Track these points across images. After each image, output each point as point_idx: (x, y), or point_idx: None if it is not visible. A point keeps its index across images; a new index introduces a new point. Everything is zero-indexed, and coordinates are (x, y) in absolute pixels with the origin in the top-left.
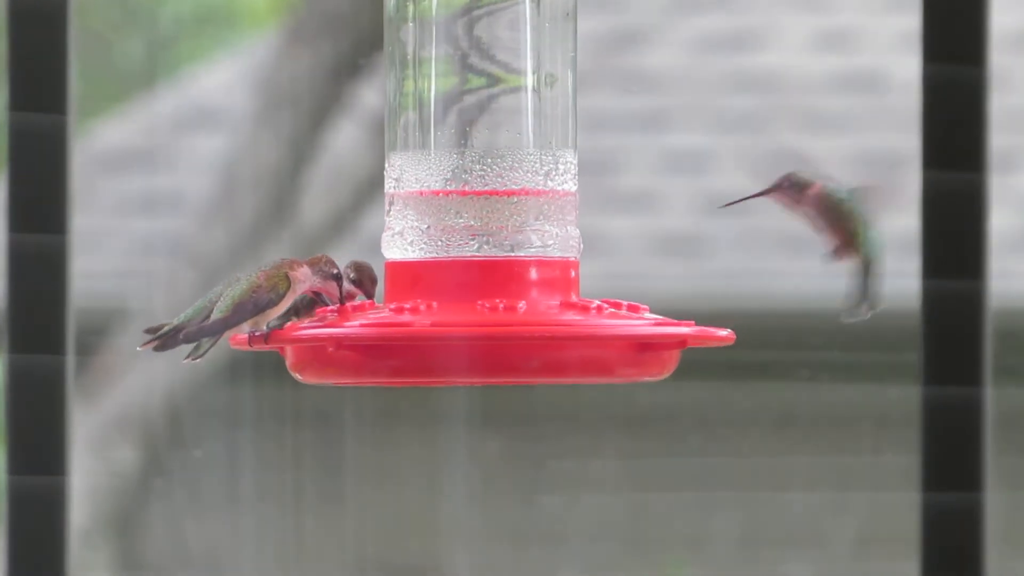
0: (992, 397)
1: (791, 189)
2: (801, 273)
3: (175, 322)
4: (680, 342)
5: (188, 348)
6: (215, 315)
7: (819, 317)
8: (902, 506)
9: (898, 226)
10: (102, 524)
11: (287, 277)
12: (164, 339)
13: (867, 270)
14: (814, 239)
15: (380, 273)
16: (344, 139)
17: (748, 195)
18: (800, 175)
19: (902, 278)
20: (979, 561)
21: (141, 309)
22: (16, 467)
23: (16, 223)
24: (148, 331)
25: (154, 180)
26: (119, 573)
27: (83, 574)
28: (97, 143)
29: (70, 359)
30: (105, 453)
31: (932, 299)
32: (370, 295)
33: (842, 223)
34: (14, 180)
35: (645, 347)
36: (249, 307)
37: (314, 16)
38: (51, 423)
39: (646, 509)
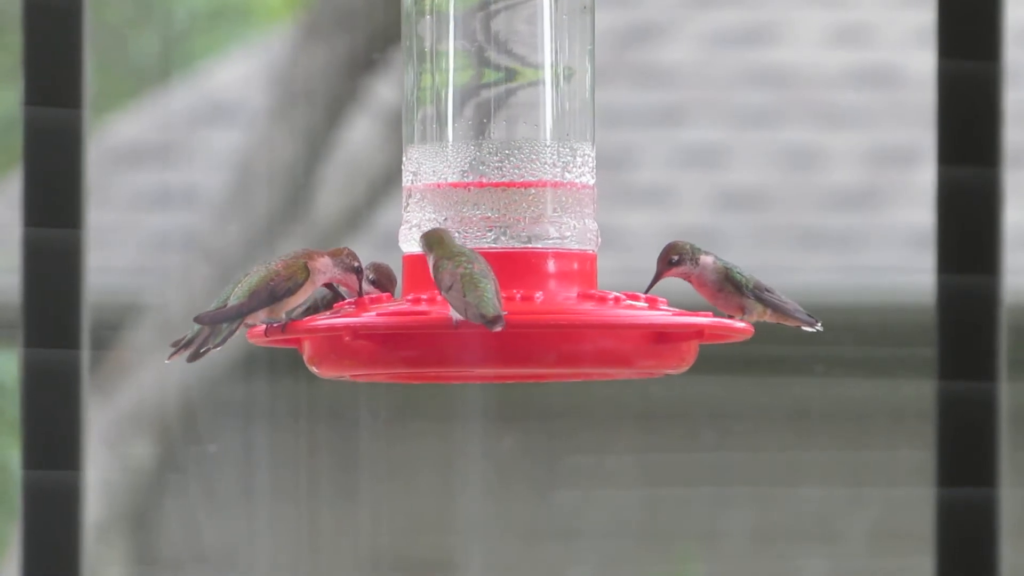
0: (1007, 392)
1: (681, 262)
2: (816, 268)
3: (194, 327)
4: (697, 332)
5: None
6: (232, 301)
7: (834, 312)
8: (917, 501)
9: (913, 221)
10: (117, 519)
11: (306, 267)
12: (190, 345)
13: (773, 306)
14: (828, 234)
15: (397, 269)
16: (359, 134)
17: (651, 282)
18: (681, 245)
19: (917, 273)
20: (993, 556)
21: (156, 304)
22: (31, 462)
23: (31, 218)
24: (174, 344)
25: (169, 175)
26: (134, 568)
27: (98, 569)
28: (112, 138)
29: (85, 354)
30: (120, 448)
31: (947, 294)
32: (389, 293)
33: (733, 290)
34: (29, 175)
35: (662, 338)
36: (266, 294)
37: (329, 11)
38: (66, 418)
39: (660, 504)
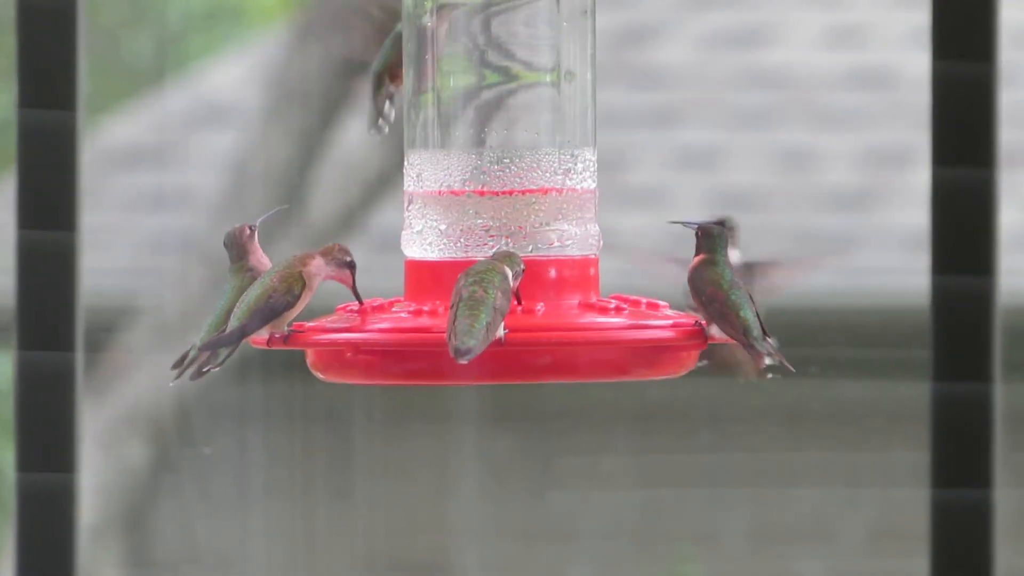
0: (1001, 393)
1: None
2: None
3: (197, 344)
4: (698, 344)
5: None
6: (232, 323)
7: (828, 313)
8: (912, 502)
9: (908, 222)
10: (111, 521)
11: (302, 276)
12: (192, 364)
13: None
14: (824, 235)
15: (386, 269)
16: (353, 136)
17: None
18: (715, 232)
19: (912, 275)
20: (988, 557)
21: (151, 306)
22: (25, 464)
23: (25, 220)
24: (175, 366)
25: (164, 177)
26: (128, 570)
27: (92, 571)
28: (107, 140)
29: (79, 356)
30: (115, 450)
31: (941, 296)
32: (392, 300)
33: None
34: (23, 177)
35: (663, 349)
36: (267, 311)
37: (324, 12)
38: (60, 420)
39: (656, 505)
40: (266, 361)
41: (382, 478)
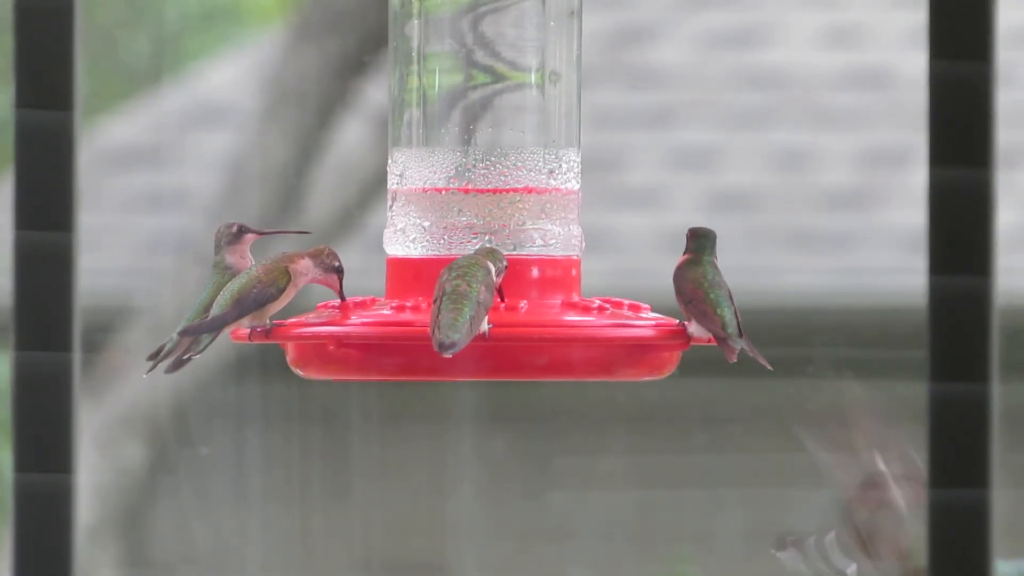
0: (999, 394)
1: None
2: (808, 270)
3: (173, 337)
4: (679, 344)
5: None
6: (214, 310)
7: (826, 314)
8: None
9: (905, 222)
10: (109, 521)
11: (287, 271)
12: (168, 356)
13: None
14: (821, 235)
15: (382, 269)
16: (350, 136)
17: None
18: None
19: (908, 274)
20: (986, 558)
21: (148, 306)
22: (22, 465)
23: (22, 220)
24: (151, 357)
25: (161, 177)
26: (126, 570)
27: (90, 571)
28: (104, 140)
29: (77, 356)
30: (112, 451)
31: (938, 296)
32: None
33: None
34: (20, 177)
35: (644, 348)
36: (249, 302)
37: (320, 13)
38: (58, 420)
39: (653, 506)
40: (263, 362)
41: (379, 478)
